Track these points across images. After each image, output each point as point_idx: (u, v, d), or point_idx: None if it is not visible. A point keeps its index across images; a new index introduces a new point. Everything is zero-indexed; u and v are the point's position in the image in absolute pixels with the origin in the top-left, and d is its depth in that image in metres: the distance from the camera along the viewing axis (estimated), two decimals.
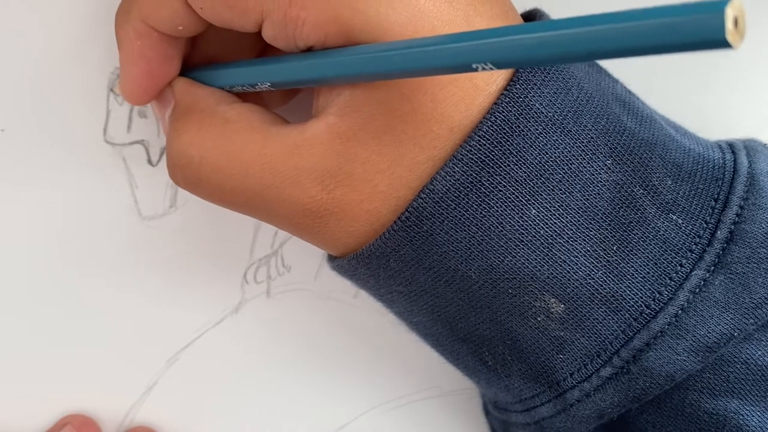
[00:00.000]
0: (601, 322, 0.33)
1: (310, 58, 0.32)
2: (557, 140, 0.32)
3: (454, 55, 0.27)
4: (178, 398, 0.45)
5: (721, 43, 0.20)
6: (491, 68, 0.26)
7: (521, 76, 0.32)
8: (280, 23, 0.32)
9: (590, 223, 0.32)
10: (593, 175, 0.32)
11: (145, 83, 0.37)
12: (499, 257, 0.32)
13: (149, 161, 0.43)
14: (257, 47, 0.39)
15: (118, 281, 0.44)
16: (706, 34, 0.21)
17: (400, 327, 0.39)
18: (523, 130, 0.31)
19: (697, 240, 0.33)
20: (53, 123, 0.42)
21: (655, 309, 0.33)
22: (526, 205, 0.32)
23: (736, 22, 0.20)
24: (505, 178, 0.32)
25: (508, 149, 0.31)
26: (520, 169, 0.32)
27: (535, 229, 0.32)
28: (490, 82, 0.32)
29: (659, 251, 0.33)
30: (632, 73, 0.37)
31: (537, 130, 0.32)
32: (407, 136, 0.32)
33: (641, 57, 0.22)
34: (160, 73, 0.36)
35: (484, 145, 0.31)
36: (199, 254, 0.44)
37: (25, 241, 0.43)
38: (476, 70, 0.26)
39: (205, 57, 0.38)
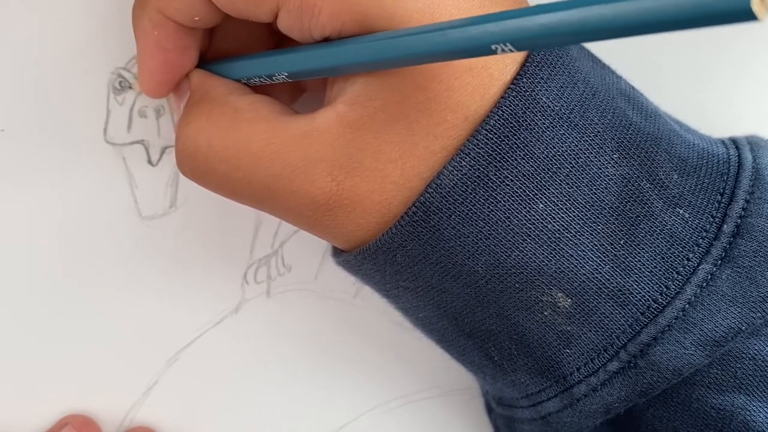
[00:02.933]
0: (608, 317, 0.33)
1: (327, 47, 0.32)
2: (564, 134, 0.32)
3: (473, 37, 0.27)
4: (178, 398, 0.45)
5: (747, 15, 0.20)
6: (510, 49, 0.26)
7: (528, 70, 0.32)
8: (296, 12, 0.32)
9: (597, 217, 0.32)
10: (600, 169, 0.32)
11: (162, 75, 0.36)
12: (506, 252, 0.32)
13: (149, 161, 0.43)
14: (272, 40, 0.39)
15: (118, 281, 0.44)
16: (732, 5, 0.20)
17: (400, 326, 0.39)
18: (530, 124, 0.31)
19: (704, 234, 0.33)
20: (53, 123, 0.42)
21: (662, 303, 0.33)
22: (533, 199, 0.32)
23: None
24: (512, 172, 0.32)
25: (515, 143, 0.31)
26: (528, 163, 0.32)
27: (542, 223, 0.32)
28: (504, 71, 0.32)
29: (666, 245, 0.33)
30: (635, 71, 0.37)
31: (544, 123, 0.32)
32: (421, 125, 0.32)
33: (667, 32, 0.22)
34: (177, 64, 0.36)
35: (492, 139, 0.31)
36: (199, 254, 0.44)
37: (25, 241, 0.43)
38: (495, 51, 0.26)
39: (222, 51, 0.38)
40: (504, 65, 0.32)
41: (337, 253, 0.37)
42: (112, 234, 0.43)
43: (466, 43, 0.27)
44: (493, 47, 0.26)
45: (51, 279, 0.43)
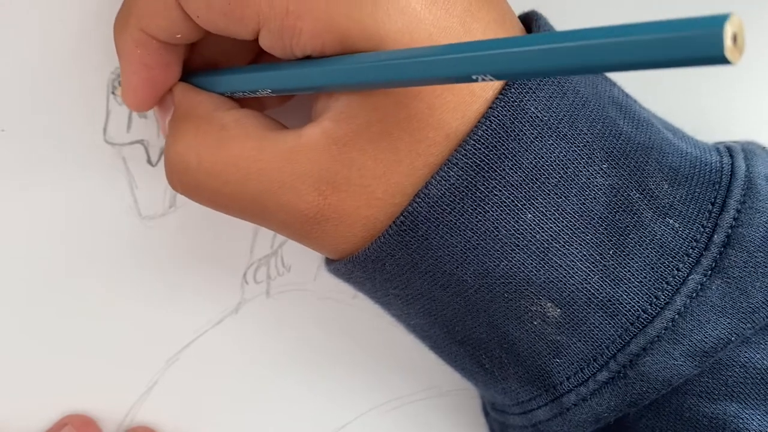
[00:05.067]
0: (597, 327, 0.33)
1: (310, 66, 0.32)
2: (553, 144, 0.32)
3: (453, 67, 0.27)
4: (178, 398, 0.45)
5: (720, 60, 0.20)
6: (491, 79, 0.26)
7: (516, 80, 0.32)
8: (277, 32, 0.32)
9: (586, 227, 0.32)
10: (589, 179, 0.32)
11: (146, 91, 0.37)
12: (494, 261, 0.32)
13: (149, 161, 0.43)
14: (255, 50, 0.39)
15: (118, 281, 0.44)
16: (705, 50, 0.20)
17: (399, 327, 0.39)
18: (518, 135, 0.31)
19: (694, 244, 0.33)
20: (53, 123, 0.42)
21: (651, 313, 0.33)
22: (521, 209, 0.32)
23: (735, 39, 0.20)
24: (500, 182, 0.31)
25: (504, 153, 0.31)
26: (516, 173, 0.31)
27: (530, 233, 0.32)
28: (486, 88, 0.32)
29: (656, 255, 0.33)
30: (631, 75, 0.36)
31: (532, 134, 0.31)
32: (403, 142, 0.32)
33: (639, 71, 0.22)
34: (160, 80, 0.36)
35: (479, 149, 0.31)
36: (198, 254, 0.44)
37: (25, 241, 0.43)
38: (476, 80, 0.26)
39: (204, 61, 0.38)
40: (485, 83, 0.32)
41: (329, 261, 0.37)
42: (112, 234, 0.43)
43: (446, 73, 0.27)
44: (473, 77, 0.26)
45: (51, 279, 0.43)
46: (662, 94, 0.38)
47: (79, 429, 0.43)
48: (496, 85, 0.32)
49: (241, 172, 0.33)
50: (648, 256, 0.33)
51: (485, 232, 0.32)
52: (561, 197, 0.32)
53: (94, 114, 0.42)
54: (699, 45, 0.20)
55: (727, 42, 0.20)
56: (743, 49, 0.21)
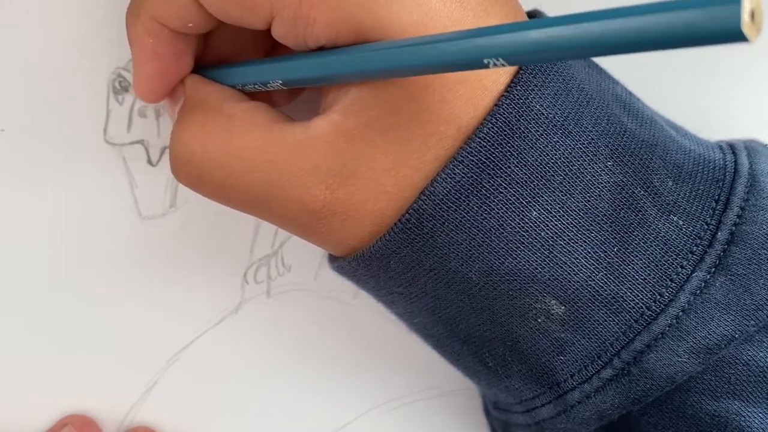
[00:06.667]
0: (601, 324, 0.33)
1: (321, 56, 0.32)
2: (558, 142, 0.32)
3: (465, 51, 0.26)
4: (178, 398, 0.45)
5: (737, 36, 0.20)
6: (503, 64, 0.26)
7: (521, 78, 0.32)
8: (291, 22, 0.32)
9: (591, 224, 0.32)
10: (594, 176, 0.32)
11: (157, 81, 0.36)
12: (499, 259, 0.32)
13: (149, 161, 0.43)
14: (268, 44, 0.38)
15: (118, 281, 0.44)
16: (722, 26, 0.20)
17: (400, 327, 0.39)
18: (523, 132, 0.31)
19: (698, 241, 0.33)
20: (53, 123, 0.42)
21: (655, 311, 0.33)
22: (526, 206, 0.32)
23: (753, 15, 0.20)
24: (505, 179, 0.31)
25: (509, 151, 0.31)
26: (521, 170, 0.31)
27: (535, 230, 0.32)
28: (498, 82, 0.32)
29: (660, 253, 0.33)
30: (633, 74, 0.37)
31: (538, 131, 0.31)
32: (414, 135, 0.32)
33: (657, 51, 0.22)
34: (172, 70, 0.36)
35: (485, 146, 0.31)
36: (199, 254, 0.44)
37: (25, 241, 0.43)
38: (488, 66, 0.26)
39: (218, 56, 0.38)
40: (497, 76, 0.32)
41: (333, 258, 0.37)
42: (112, 234, 0.43)
43: (458, 57, 0.27)
44: (485, 61, 0.26)
45: (51, 279, 0.43)
46: (663, 94, 0.38)
47: (79, 429, 0.43)
48: (507, 79, 0.32)
49: (246, 164, 0.33)
50: (652, 254, 0.33)
51: (490, 229, 0.32)
52: (566, 194, 0.32)
53: (94, 114, 0.42)
54: (715, 20, 0.20)
55: (745, 17, 0.20)
56: (761, 27, 0.20)
